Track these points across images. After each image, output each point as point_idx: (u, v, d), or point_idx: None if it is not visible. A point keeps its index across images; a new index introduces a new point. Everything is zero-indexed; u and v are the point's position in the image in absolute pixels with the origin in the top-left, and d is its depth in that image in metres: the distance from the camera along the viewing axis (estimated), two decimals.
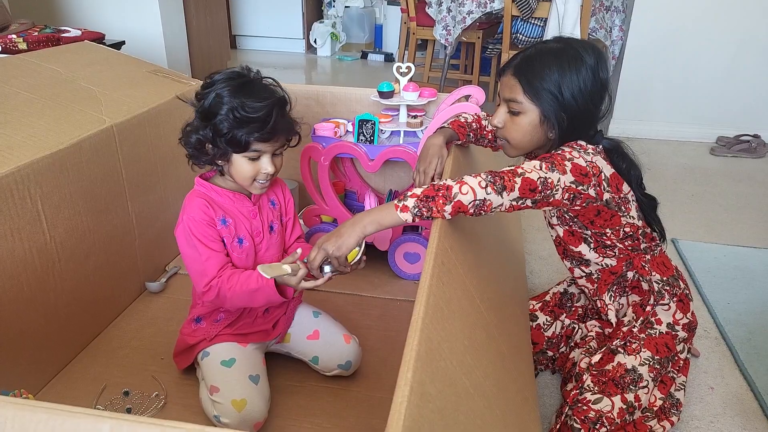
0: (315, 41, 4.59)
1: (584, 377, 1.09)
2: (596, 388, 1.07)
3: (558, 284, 1.38)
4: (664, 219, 1.20)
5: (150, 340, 1.30)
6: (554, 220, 1.20)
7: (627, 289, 1.20)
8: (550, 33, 2.41)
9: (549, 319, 1.29)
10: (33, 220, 1.08)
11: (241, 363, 1.08)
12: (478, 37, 3.12)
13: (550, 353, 1.28)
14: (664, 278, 1.17)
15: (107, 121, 1.27)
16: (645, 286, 1.17)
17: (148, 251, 1.47)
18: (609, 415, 1.03)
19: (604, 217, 1.11)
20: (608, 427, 1.02)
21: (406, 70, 1.56)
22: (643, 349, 1.12)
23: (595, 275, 1.22)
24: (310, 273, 1.00)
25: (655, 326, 1.16)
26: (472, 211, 0.93)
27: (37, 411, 0.50)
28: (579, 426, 1.02)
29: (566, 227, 1.18)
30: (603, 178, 1.04)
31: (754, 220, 2.05)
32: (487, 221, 1.31)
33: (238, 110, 0.94)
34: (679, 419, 1.12)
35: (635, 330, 1.15)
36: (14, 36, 2.19)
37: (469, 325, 0.86)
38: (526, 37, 2.61)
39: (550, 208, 1.05)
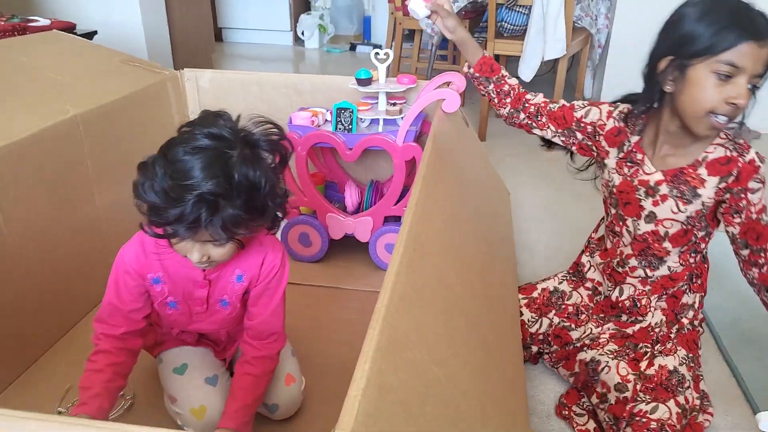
0: (302, 33, 4.53)
1: (630, 386, 1.05)
2: (648, 397, 1.03)
3: (545, 280, 1.32)
4: None
5: None
6: (681, 217, 1.07)
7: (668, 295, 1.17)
8: (535, 21, 2.37)
9: (535, 316, 1.25)
10: None
11: (195, 367, 1.01)
12: (465, 27, 3.08)
13: (535, 348, 1.25)
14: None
15: (71, 111, 1.23)
16: (687, 299, 1.16)
17: (118, 246, 1.42)
18: (669, 422, 0.98)
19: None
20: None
21: (384, 57, 1.52)
22: (678, 348, 1.11)
23: (654, 278, 1.15)
24: None
25: (684, 323, 1.16)
26: None
27: None
28: None
29: (688, 227, 1.08)
30: None
31: None
32: (474, 208, 1.28)
33: (157, 180, 0.75)
34: (713, 410, 1.12)
35: (665, 330, 1.14)
36: None
37: (444, 312, 0.82)
38: (511, 25, 2.58)
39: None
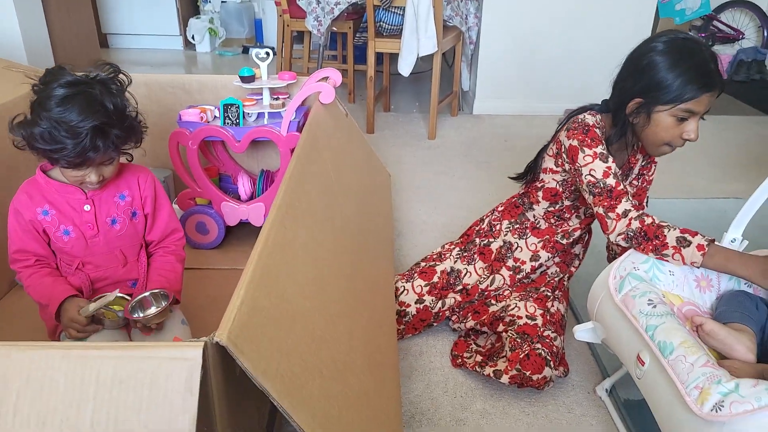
0: (193, 37, 4.54)
1: (539, 318, 1.30)
2: (552, 329, 1.29)
3: (442, 261, 1.47)
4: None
5: (21, 336, 1.31)
6: None
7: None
8: (408, 21, 2.60)
9: (435, 299, 1.41)
10: None
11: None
12: (350, 27, 3.27)
13: (435, 324, 1.44)
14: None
15: None
16: (575, 250, 1.49)
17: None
18: (561, 351, 1.30)
19: None
20: (558, 360, 1.27)
21: (265, 56, 1.67)
22: (563, 300, 1.43)
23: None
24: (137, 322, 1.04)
25: (569, 281, 1.49)
26: None
27: None
28: (549, 358, 1.21)
29: None
30: None
31: None
32: (350, 184, 1.46)
33: (49, 132, 0.93)
34: None
35: (559, 278, 1.46)
36: None
37: (314, 260, 0.99)
38: (389, 24, 2.80)
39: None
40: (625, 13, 3.03)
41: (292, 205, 1.02)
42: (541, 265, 1.44)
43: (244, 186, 1.73)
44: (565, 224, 1.42)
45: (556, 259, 1.45)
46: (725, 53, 4.13)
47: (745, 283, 1.11)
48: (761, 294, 1.11)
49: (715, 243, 1.05)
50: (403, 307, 1.39)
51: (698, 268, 1.06)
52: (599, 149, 1.22)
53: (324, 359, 0.84)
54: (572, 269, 1.49)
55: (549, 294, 1.39)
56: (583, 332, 1.15)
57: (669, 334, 0.91)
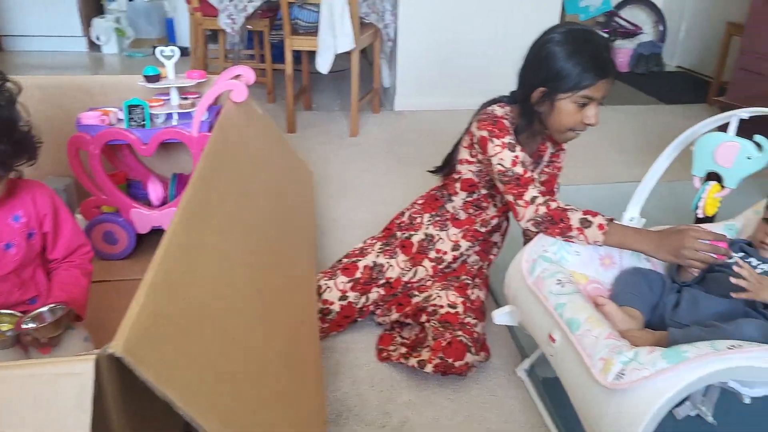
0: (98, 38, 4.30)
1: (460, 306, 1.33)
2: (472, 315, 1.32)
3: (358, 257, 1.46)
4: None
5: None
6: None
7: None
8: (323, 18, 2.58)
9: (359, 294, 1.40)
10: None
11: None
12: (266, 25, 3.21)
13: (360, 320, 1.43)
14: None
15: None
16: (494, 239, 1.53)
17: None
18: (482, 337, 1.33)
19: None
20: (479, 346, 1.29)
21: (171, 54, 1.60)
22: (483, 287, 1.46)
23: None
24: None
25: (488, 268, 1.52)
26: None
27: None
28: (471, 344, 1.24)
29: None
30: None
31: None
32: (266, 182, 1.43)
33: None
34: None
35: (478, 266, 1.49)
36: None
37: (226, 260, 0.96)
38: (305, 22, 2.77)
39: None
40: (532, 9, 3.15)
41: (201, 207, 0.98)
42: (461, 255, 1.47)
43: (155, 191, 1.66)
44: (484, 213, 1.45)
45: (476, 248, 1.49)
46: (626, 47, 4.39)
47: (644, 258, 1.18)
48: (659, 267, 1.18)
49: (615, 222, 1.11)
50: (327, 305, 1.37)
51: (601, 246, 1.11)
52: (507, 139, 1.26)
53: (237, 362, 0.81)
54: (491, 257, 1.53)
55: (469, 282, 1.42)
56: (501, 316, 1.18)
57: (576, 311, 0.95)
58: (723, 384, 0.98)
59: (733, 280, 0.95)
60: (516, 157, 1.24)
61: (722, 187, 0.98)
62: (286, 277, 1.20)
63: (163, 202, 1.67)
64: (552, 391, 1.21)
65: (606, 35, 4.16)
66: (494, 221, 1.46)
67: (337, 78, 3.81)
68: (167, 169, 1.82)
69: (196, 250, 0.88)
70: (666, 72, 4.41)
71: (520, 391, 1.25)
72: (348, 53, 2.70)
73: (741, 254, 1.09)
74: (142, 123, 1.54)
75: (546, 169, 1.46)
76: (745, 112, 0.97)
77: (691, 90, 3.87)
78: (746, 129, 0.99)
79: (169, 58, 1.60)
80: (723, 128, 1.01)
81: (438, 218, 1.47)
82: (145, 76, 1.58)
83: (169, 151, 1.77)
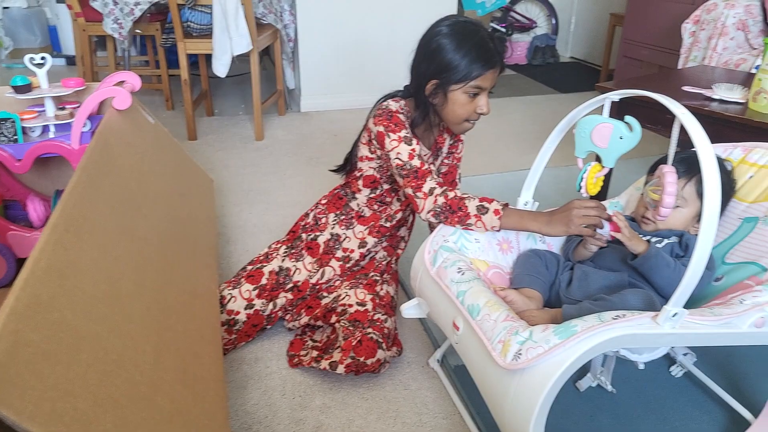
0: None
1: (369, 303, 1.31)
2: (382, 311, 1.30)
3: (269, 261, 1.42)
4: None
5: None
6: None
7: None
8: (217, 20, 2.50)
9: (265, 301, 1.35)
10: None
11: None
12: (157, 29, 3.06)
13: (269, 327, 1.38)
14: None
15: None
16: (401, 233, 1.54)
17: None
18: (393, 331, 1.33)
19: None
20: (391, 341, 1.29)
21: (42, 61, 1.48)
22: (392, 282, 1.44)
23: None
24: None
25: (396, 262, 1.52)
26: None
27: None
28: (381, 340, 1.23)
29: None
30: None
31: None
32: (158, 193, 1.35)
33: None
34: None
35: (387, 262, 1.49)
36: None
37: (108, 279, 0.89)
38: (198, 24, 2.66)
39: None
40: (429, 7, 3.20)
41: (75, 223, 0.90)
42: (369, 252, 1.46)
43: (36, 210, 1.53)
44: (388, 208, 1.45)
45: (384, 244, 1.48)
46: (523, 41, 4.59)
47: (540, 240, 1.22)
48: (555, 248, 1.23)
49: (509, 207, 1.14)
50: (233, 316, 1.32)
51: (498, 231, 1.14)
52: (403, 133, 1.26)
53: (121, 386, 0.75)
54: (399, 251, 1.53)
55: (378, 278, 1.42)
56: (409, 309, 1.18)
57: (476, 297, 0.97)
58: (616, 353, 1.03)
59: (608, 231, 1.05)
60: (413, 150, 1.25)
61: (602, 167, 1.03)
62: (182, 290, 1.14)
63: (46, 221, 1.54)
64: (465, 378, 1.22)
65: (503, 30, 4.33)
66: (399, 215, 1.46)
67: (240, 81, 3.70)
68: (49, 186, 1.69)
69: (70, 268, 0.81)
70: (561, 63, 4.65)
71: (434, 382, 1.26)
72: (248, 55, 2.63)
73: None
74: (14, 138, 1.42)
75: (446, 161, 1.48)
76: (616, 95, 1.02)
77: (584, 79, 4.11)
78: (633, 113, 1.03)
79: (40, 66, 1.47)
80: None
81: (343, 217, 1.46)
82: (14, 87, 1.45)
83: (48, 167, 1.64)
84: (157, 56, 3.56)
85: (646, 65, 3.12)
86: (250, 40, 2.57)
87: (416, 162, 1.23)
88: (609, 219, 1.06)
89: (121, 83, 1.60)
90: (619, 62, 3.40)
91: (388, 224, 1.46)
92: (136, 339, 0.86)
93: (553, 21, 4.67)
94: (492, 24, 4.40)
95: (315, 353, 1.28)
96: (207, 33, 2.67)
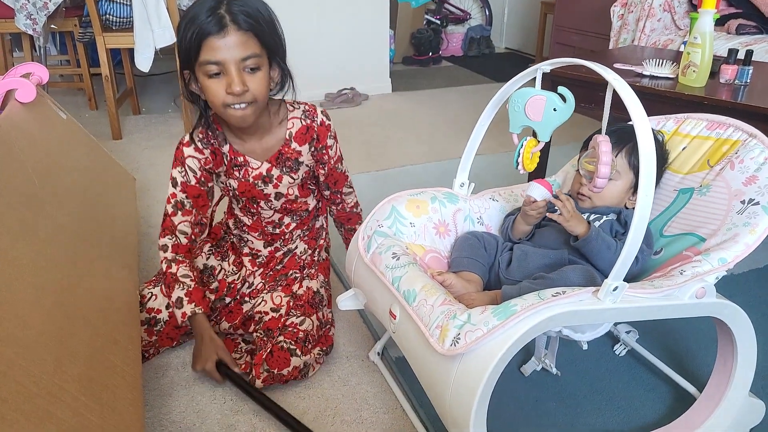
0: None
1: (284, 307, 1.23)
2: (298, 312, 1.21)
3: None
4: None
5: None
6: (298, 181, 1.27)
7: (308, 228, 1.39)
8: (137, 12, 2.35)
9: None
10: None
11: None
12: (75, 25, 2.86)
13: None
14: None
15: None
16: (318, 223, 1.41)
17: None
18: (312, 332, 1.19)
19: None
20: (313, 342, 1.18)
21: None
22: (319, 274, 1.33)
23: (301, 218, 1.36)
24: None
25: (321, 253, 1.39)
26: None
27: None
28: (294, 347, 1.14)
29: (305, 182, 1.30)
30: None
31: (354, 153, 2.43)
32: (69, 193, 1.23)
33: None
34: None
35: (309, 256, 1.35)
36: None
37: (7, 289, 0.79)
38: (117, 17, 2.50)
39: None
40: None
41: None
42: (277, 249, 1.36)
43: None
44: (263, 214, 1.33)
45: (305, 237, 1.39)
46: (458, 32, 4.60)
47: (477, 221, 1.18)
48: (492, 228, 1.19)
49: None
50: (153, 314, 1.21)
51: None
52: (174, 172, 1.24)
53: (12, 400, 0.66)
54: (322, 242, 1.42)
55: (297, 275, 1.33)
56: (345, 301, 1.11)
57: (412, 283, 0.91)
58: (558, 333, 1.00)
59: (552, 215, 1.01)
60: (171, 194, 1.24)
61: (538, 141, 1.00)
62: (93, 293, 1.03)
63: None
64: (406, 370, 1.17)
65: (438, 21, 4.33)
66: (285, 219, 1.35)
67: (171, 79, 3.54)
68: None
69: None
70: (496, 53, 4.70)
71: (374, 375, 1.20)
72: (174, 48, 2.49)
73: None
74: None
75: (321, 171, 1.27)
76: (547, 64, 0.99)
77: (519, 68, 4.08)
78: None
79: None
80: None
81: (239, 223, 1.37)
82: None
83: None
84: (76, 55, 3.36)
85: (578, 51, 3.17)
86: (173, 32, 2.43)
87: (168, 208, 1.24)
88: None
89: (27, 75, 1.47)
90: (552, 50, 3.46)
91: (277, 231, 1.34)
92: (34, 348, 0.76)
93: (487, 12, 4.71)
94: (426, 16, 4.39)
95: (249, 357, 1.20)
96: (128, 26, 2.52)
